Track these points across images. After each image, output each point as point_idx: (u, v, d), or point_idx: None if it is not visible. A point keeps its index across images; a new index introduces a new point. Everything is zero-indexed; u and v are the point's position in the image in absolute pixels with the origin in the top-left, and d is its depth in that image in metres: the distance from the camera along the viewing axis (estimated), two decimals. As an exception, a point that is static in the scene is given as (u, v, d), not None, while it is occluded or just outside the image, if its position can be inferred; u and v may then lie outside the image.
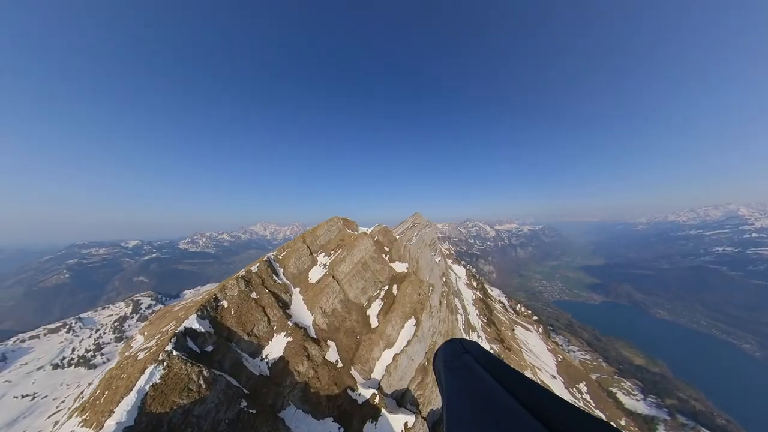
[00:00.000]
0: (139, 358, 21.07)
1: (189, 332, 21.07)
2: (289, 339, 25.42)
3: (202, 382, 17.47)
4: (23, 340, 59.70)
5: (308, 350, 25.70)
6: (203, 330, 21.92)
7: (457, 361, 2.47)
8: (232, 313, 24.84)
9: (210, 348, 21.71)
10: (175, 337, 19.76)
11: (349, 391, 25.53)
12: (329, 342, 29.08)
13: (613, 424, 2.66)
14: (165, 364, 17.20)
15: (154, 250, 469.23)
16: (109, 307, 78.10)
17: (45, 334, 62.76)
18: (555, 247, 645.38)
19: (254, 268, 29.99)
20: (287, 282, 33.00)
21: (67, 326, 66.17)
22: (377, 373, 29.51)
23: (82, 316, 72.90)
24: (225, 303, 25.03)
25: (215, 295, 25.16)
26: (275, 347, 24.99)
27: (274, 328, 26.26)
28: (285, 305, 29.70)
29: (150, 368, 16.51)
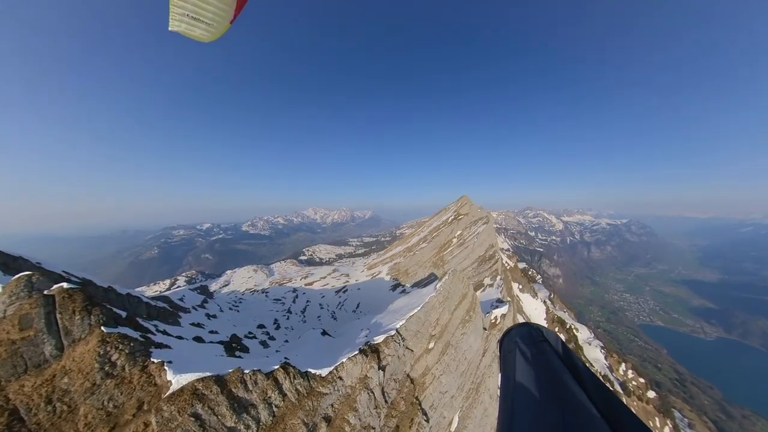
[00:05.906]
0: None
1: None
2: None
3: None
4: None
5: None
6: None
7: (533, 347, 2.18)
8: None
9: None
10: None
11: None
12: None
13: None
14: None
15: (221, 232, 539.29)
16: (158, 283, 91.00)
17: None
18: (644, 250, 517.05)
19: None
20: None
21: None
22: None
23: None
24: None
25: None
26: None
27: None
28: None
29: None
